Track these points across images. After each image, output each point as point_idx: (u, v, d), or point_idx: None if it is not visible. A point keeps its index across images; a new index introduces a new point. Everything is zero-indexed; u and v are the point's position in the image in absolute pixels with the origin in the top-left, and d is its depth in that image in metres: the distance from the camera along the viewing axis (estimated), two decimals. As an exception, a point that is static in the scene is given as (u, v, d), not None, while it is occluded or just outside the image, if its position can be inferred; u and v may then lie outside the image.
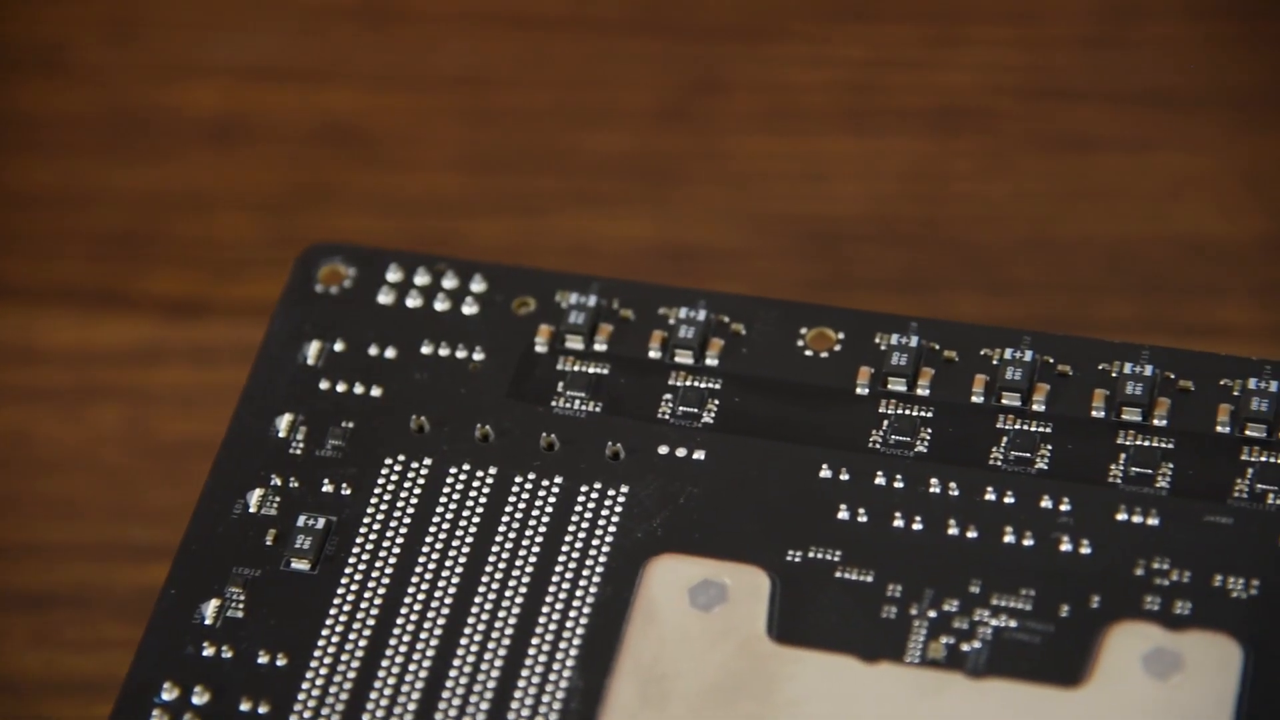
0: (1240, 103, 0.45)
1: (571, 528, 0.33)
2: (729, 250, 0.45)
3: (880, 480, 0.33)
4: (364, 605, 0.33)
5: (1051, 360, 0.34)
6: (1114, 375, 0.34)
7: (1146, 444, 0.33)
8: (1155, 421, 0.33)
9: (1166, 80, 0.45)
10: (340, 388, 0.35)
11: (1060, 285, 0.44)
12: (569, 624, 0.32)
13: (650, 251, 0.45)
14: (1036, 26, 0.47)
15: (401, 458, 0.34)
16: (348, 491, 0.34)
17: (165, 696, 0.32)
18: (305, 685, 0.32)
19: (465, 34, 0.47)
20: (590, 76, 0.47)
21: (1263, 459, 0.33)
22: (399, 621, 0.33)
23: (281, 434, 0.34)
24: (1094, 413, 0.34)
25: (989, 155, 0.45)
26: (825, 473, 0.33)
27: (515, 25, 0.47)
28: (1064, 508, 0.33)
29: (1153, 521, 0.32)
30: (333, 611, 0.33)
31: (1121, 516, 0.33)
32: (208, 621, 0.33)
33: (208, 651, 0.33)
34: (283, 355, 0.35)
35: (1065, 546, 0.32)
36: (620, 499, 0.33)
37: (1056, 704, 0.31)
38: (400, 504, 0.34)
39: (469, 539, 0.33)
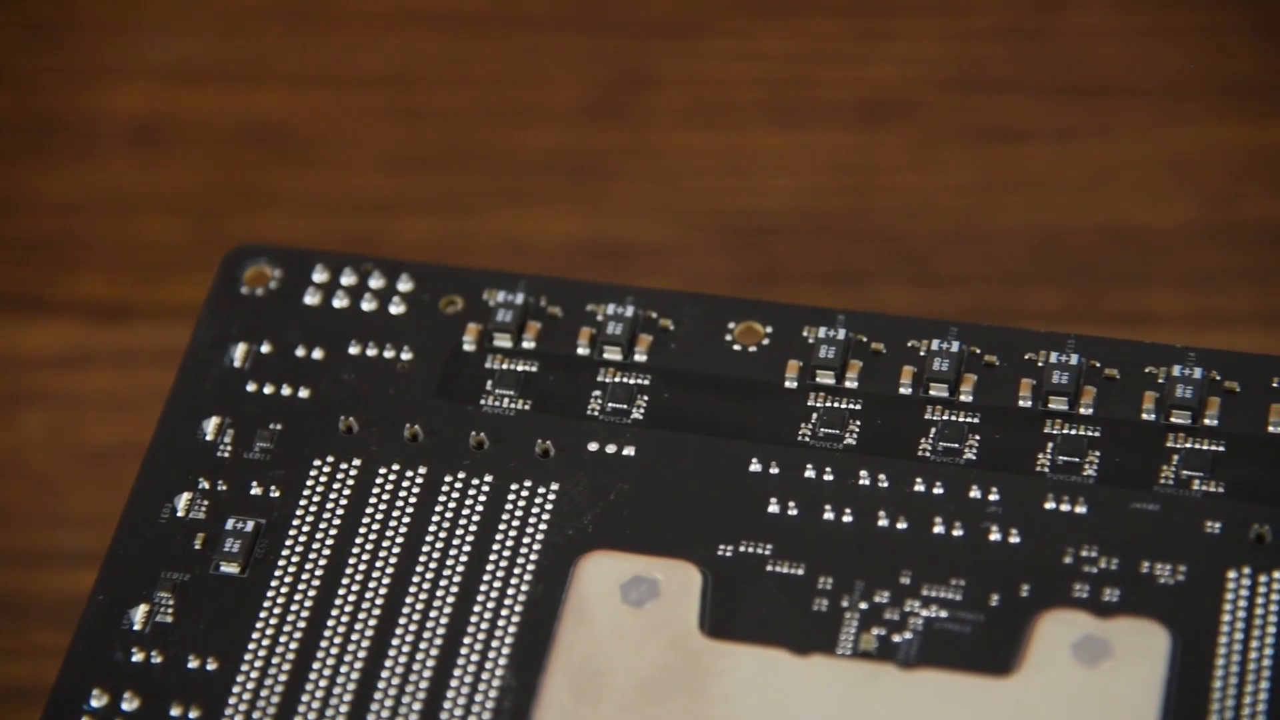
0: (1164, 92, 0.45)
1: (502, 526, 0.33)
2: (658, 246, 0.45)
3: (810, 473, 0.33)
4: (294, 608, 0.33)
5: (978, 351, 0.34)
6: (1040, 365, 0.34)
7: (1073, 432, 0.33)
8: (1082, 410, 0.34)
9: (1091, 71, 0.46)
10: (267, 390, 0.35)
11: (988, 276, 0.44)
12: (501, 622, 0.32)
13: (579, 248, 0.45)
14: (962, 19, 0.47)
15: (330, 459, 0.34)
16: (276, 494, 0.34)
17: (94, 704, 0.32)
18: (236, 689, 0.32)
19: (391, 33, 0.47)
20: (517, 74, 0.47)
21: (1188, 445, 0.33)
22: (330, 623, 0.33)
23: (209, 437, 0.34)
24: (1021, 402, 0.34)
25: (916, 148, 0.45)
26: (755, 467, 0.34)
27: (441, 23, 0.47)
28: (993, 497, 0.33)
29: (1080, 510, 0.33)
30: (263, 614, 0.33)
31: (1050, 505, 0.33)
32: (137, 627, 0.33)
33: (137, 657, 0.32)
34: (209, 358, 0.35)
35: (994, 536, 0.33)
36: (551, 496, 0.33)
37: (987, 693, 0.31)
38: (330, 505, 0.34)
39: (399, 539, 0.33)
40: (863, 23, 0.47)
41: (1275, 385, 0.33)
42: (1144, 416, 0.33)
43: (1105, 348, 0.34)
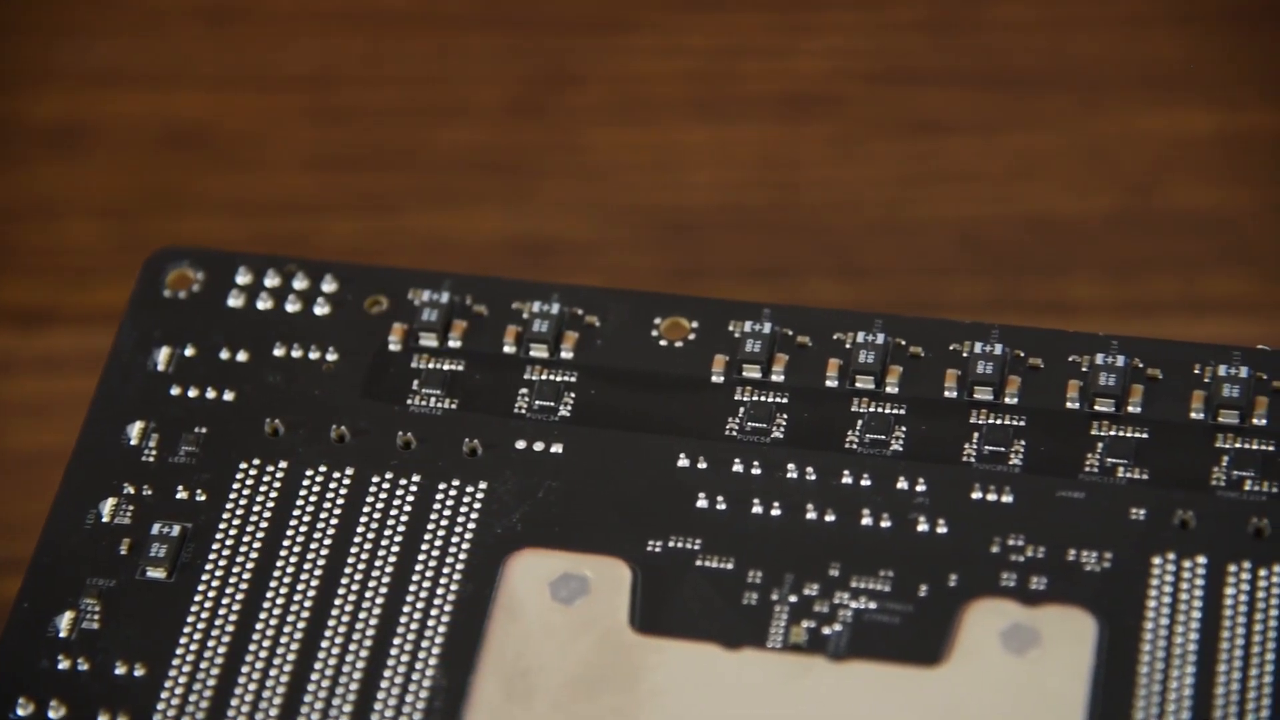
0: (1085, 82, 0.46)
1: (431, 526, 0.33)
2: (583, 243, 0.45)
3: (738, 467, 0.33)
4: (222, 611, 0.33)
5: (904, 342, 0.34)
6: (965, 355, 0.34)
7: (998, 422, 0.33)
8: (1007, 400, 0.34)
9: (1012, 62, 0.46)
10: (192, 393, 0.35)
11: (912, 267, 0.44)
12: (430, 622, 0.32)
13: (504, 246, 0.45)
14: (884, 11, 0.47)
15: (256, 461, 0.34)
16: (202, 497, 0.34)
17: (21, 712, 0.32)
18: (164, 695, 0.32)
19: (311, 33, 0.47)
20: (439, 72, 0.47)
21: (1112, 433, 0.33)
22: (258, 626, 0.32)
23: (133, 442, 0.34)
24: (947, 393, 0.34)
25: (839, 140, 0.45)
26: (683, 462, 0.34)
27: (361, 22, 0.47)
28: (920, 488, 0.33)
29: (1007, 499, 0.33)
30: (190, 619, 0.32)
31: (976, 495, 0.33)
32: (62, 634, 0.32)
33: (63, 664, 0.32)
34: (132, 362, 0.35)
35: (922, 527, 0.33)
36: (479, 495, 0.33)
37: (917, 683, 0.31)
38: (256, 508, 0.33)
39: (327, 541, 0.33)
40: (785, 16, 0.47)
41: (1197, 372, 0.34)
42: (1068, 405, 0.34)
43: (1029, 337, 0.34)
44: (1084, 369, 0.34)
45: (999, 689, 0.31)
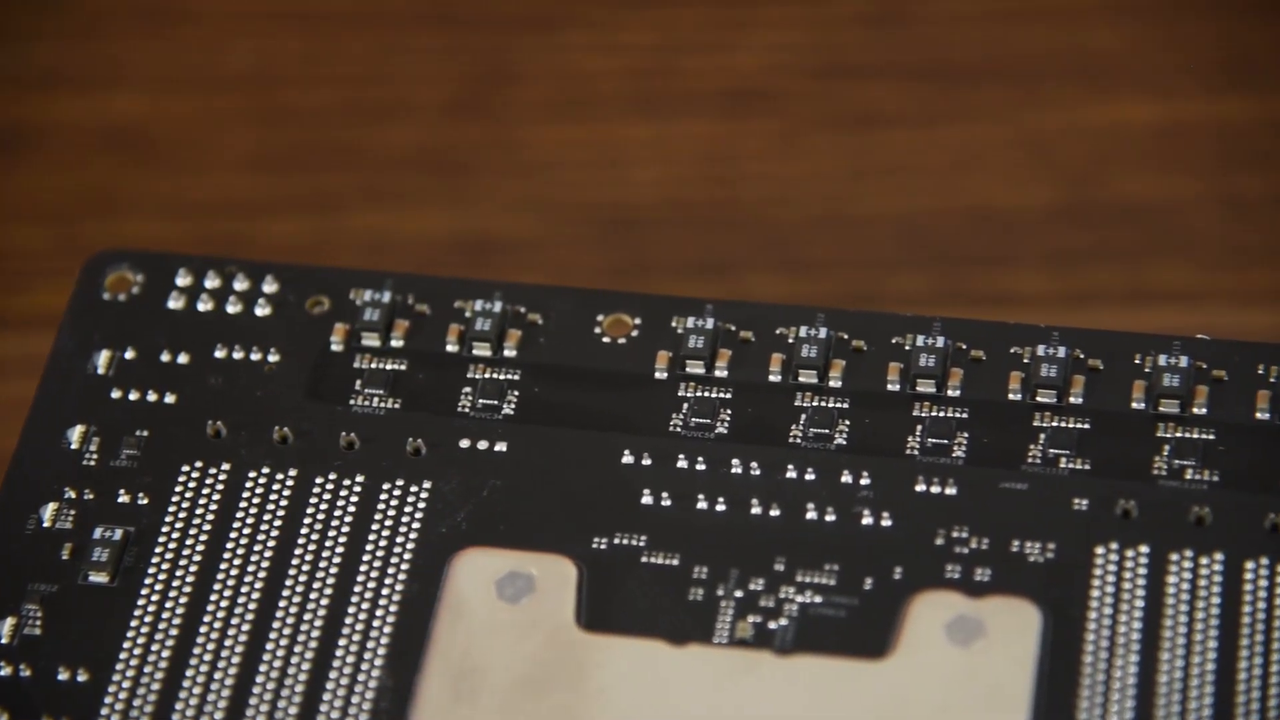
0: (1023, 75, 0.46)
1: (375, 526, 0.33)
2: (526, 240, 0.44)
3: (682, 463, 0.33)
4: (166, 615, 0.32)
5: (846, 336, 0.34)
6: (908, 348, 0.34)
7: (941, 415, 0.34)
8: (949, 392, 0.34)
9: (951, 55, 0.46)
10: (133, 396, 0.34)
11: (855, 261, 0.44)
12: (376, 623, 0.32)
13: (446, 245, 0.44)
14: (823, 6, 0.47)
15: (199, 464, 0.34)
16: (145, 501, 0.33)
17: (-36, 719, 0.32)
18: (108, 700, 0.32)
19: (249, 33, 0.47)
20: (378, 71, 0.46)
21: (1054, 424, 0.33)
22: (202, 630, 0.32)
23: (74, 445, 0.34)
24: (889, 386, 0.34)
25: (780, 135, 0.45)
26: (627, 458, 0.34)
27: (300, 22, 0.47)
28: (864, 481, 0.33)
29: (950, 491, 0.33)
30: (133, 624, 0.32)
31: (920, 488, 0.33)
32: (4, 640, 0.32)
33: (4, 671, 0.32)
34: (72, 366, 0.35)
35: (866, 520, 0.33)
36: (423, 495, 0.33)
37: (863, 676, 0.31)
38: (199, 511, 0.33)
39: (271, 543, 0.33)
40: (724, 11, 0.47)
41: (1138, 362, 0.34)
42: (1011, 397, 0.34)
43: (971, 330, 0.34)
44: (1025, 360, 0.34)
45: (944, 681, 0.31)
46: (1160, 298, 0.43)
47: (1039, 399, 0.34)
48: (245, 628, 0.32)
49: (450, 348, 0.35)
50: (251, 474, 0.34)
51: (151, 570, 0.33)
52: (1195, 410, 0.33)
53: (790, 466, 0.33)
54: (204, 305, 0.35)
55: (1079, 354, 0.34)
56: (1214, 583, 0.32)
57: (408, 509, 0.33)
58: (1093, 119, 0.45)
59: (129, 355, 0.35)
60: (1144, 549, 0.32)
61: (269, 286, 0.35)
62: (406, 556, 0.33)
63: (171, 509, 0.33)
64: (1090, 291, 0.43)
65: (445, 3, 0.47)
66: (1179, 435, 0.33)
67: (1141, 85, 0.45)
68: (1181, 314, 0.42)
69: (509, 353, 0.35)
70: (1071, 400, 0.33)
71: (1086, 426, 0.33)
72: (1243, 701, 0.31)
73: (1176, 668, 0.31)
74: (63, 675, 0.32)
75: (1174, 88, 0.45)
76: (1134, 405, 0.33)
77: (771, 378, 0.34)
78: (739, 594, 0.32)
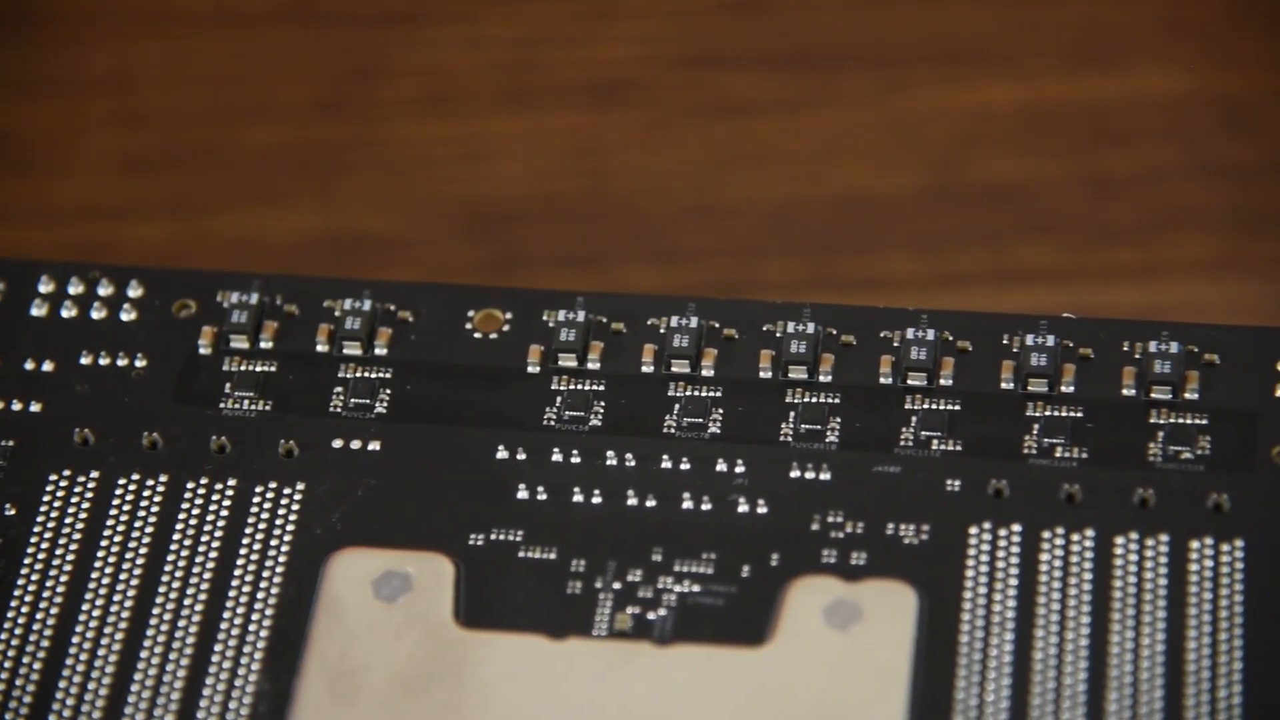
0: (887, 59, 0.46)
1: (249, 529, 0.33)
2: (396, 238, 0.44)
3: (557, 457, 0.33)
4: (37, 626, 0.32)
5: (718, 325, 0.34)
6: (778, 335, 0.34)
7: (814, 400, 0.34)
8: (821, 378, 0.34)
9: (815, 41, 0.46)
10: (-2, 406, 0.34)
11: (725, 250, 0.44)
12: (252, 627, 0.32)
13: (315, 244, 0.44)
14: (687, -5, 0.47)
15: (67, 473, 0.33)
16: (12, 511, 0.33)
17: None
18: (-19, 714, 0.31)
19: (110, 35, 0.46)
20: (242, 71, 0.46)
21: (925, 406, 0.33)
22: (75, 640, 0.32)
23: (-61, 458, 0.33)
24: (762, 374, 0.34)
25: (648, 126, 0.45)
26: (502, 454, 0.33)
27: (161, 23, 0.47)
28: (739, 469, 0.33)
29: (825, 476, 0.33)
30: (4, 635, 0.32)
31: (795, 474, 0.33)
32: (-128, 657, 0.32)
33: (-125, 688, 0.32)
34: (-66, 377, 0.34)
35: (742, 508, 0.33)
36: (297, 497, 0.33)
37: (743, 663, 0.31)
38: (69, 519, 0.33)
39: (144, 549, 0.33)
40: (589, 4, 0.47)
41: (1006, 342, 0.34)
42: (882, 381, 0.34)
43: (841, 315, 0.34)
44: (896, 344, 0.34)
45: (824, 665, 0.31)
46: (1027, 278, 0.43)
47: (910, 382, 0.34)
48: (119, 636, 0.32)
49: (320, 348, 0.35)
50: (121, 481, 0.33)
51: (21, 581, 0.32)
52: (1063, 389, 0.33)
53: (665, 457, 0.33)
54: (68, 312, 0.35)
55: (948, 336, 0.34)
56: (1085, 559, 0.32)
57: (281, 511, 0.33)
58: (956, 102, 0.45)
59: (-7, 364, 0.34)
60: (1016, 528, 0.32)
61: (134, 291, 0.35)
62: (281, 559, 0.33)
63: (40, 519, 0.33)
64: (958, 274, 0.43)
65: (306, 1, 0.47)
66: (1048, 414, 0.33)
67: (1004, 67, 0.46)
68: (1048, 294, 0.43)
69: (380, 351, 0.35)
70: (942, 382, 0.34)
71: (957, 408, 0.33)
72: (1115, 675, 0.31)
73: (1051, 644, 0.31)
74: (-67, 691, 0.32)
75: (1036, 69, 0.46)
76: (1003, 385, 0.34)
77: (644, 369, 0.34)
78: (617, 586, 0.32)
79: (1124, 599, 0.31)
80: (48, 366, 0.34)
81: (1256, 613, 0.31)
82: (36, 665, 0.32)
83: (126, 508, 0.33)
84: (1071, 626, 0.31)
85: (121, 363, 0.34)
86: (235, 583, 0.32)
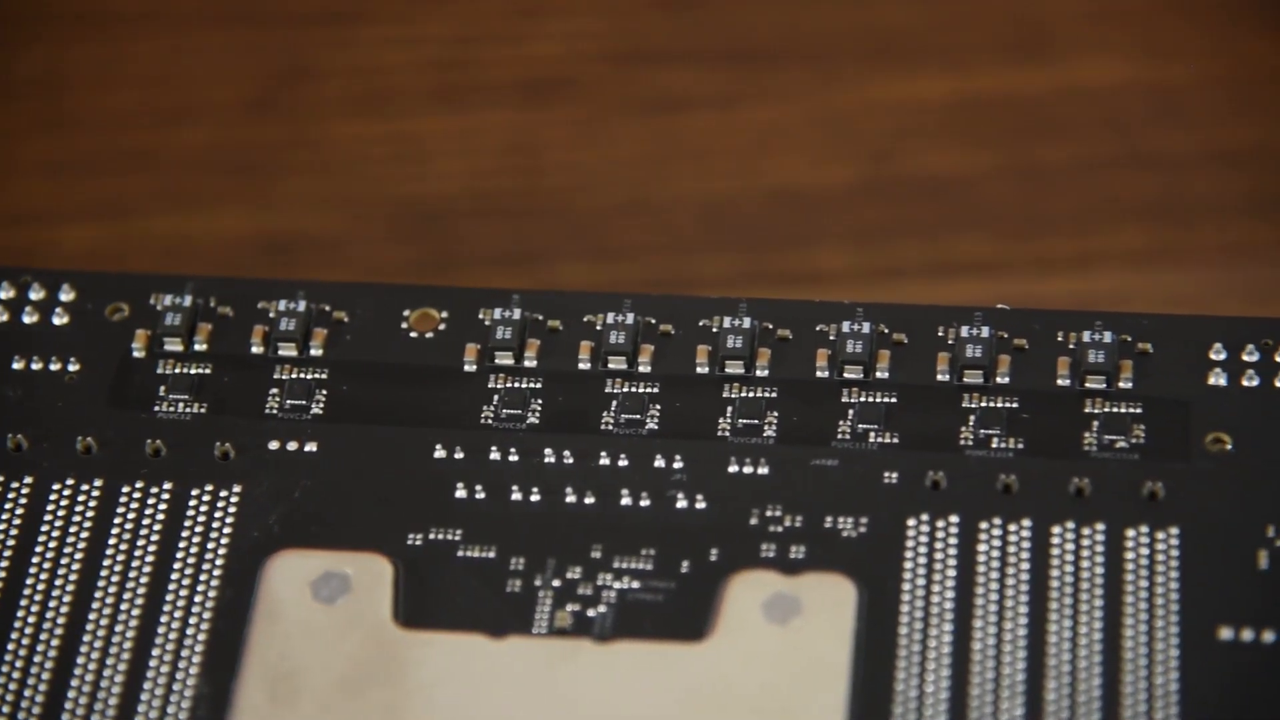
0: (819, 54, 0.46)
1: (185, 533, 0.33)
2: (330, 238, 0.44)
3: (495, 455, 0.33)
4: (-28, 634, 0.32)
5: (654, 321, 0.34)
6: (715, 330, 0.34)
7: (751, 395, 0.34)
8: (758, 372, 0.34)
9: (747, 37, 0.46)
10: (-71, 412, 0.34)
11: (661, 246, 0.44)
12: (190, 630, 0.32)
13: (249, 246, 0.44)
14: (618, -9, 0.47)
15: (0, 479, 0.33)
16: (-54, 519, 0.33)
17: None
18: (-84, 723, 0.31)
19: (38, 36, 0.46)
20: (172, 72, 0.46)
21: (862, 399, 0.34)
22: (10, 646, 0.32)
23: None
24: (699, 369, 0.34)
25: (582, 123, 0.45)
26: (439, 453, 0.33)
27: (90, 24, 0.46)
28: (676, 465, 0.33)
29: (763, 470, 0.33)
30: (-61, 644, 0.32)
31: (733, 469, 0.33)
32: None
33: None
34: None
35: (681, 503, 0.33)
36: (234, 499, 0.33)
37: (684, 659, 0.31)
38: (2, 527, 0.33)
39: (79, 554, 0.32)
40: (521, 1, 0.47)
41: (941, 334, 0.34)
42: (818, 374, 0.34)
43: (777, 309, 0.34)
44: (832, 338, 0.34)
45: (764, 659, 0.31)
46: (961, 270, 0.43)
47: (846, 375, 0.34)
48: (55, 642, 0.32)
49: (255, 349, 0.34)
50: (56, 486, 0.33)
51: (-44, 589, 0.32)
52: (998, 380, 0.34)
53: (603, 453, 0.33)
54: (-1, 316, 0.35)
55: (884, 329, 0.34)
56: (1023, 549, 0.32)
57: (218, 514, 0.33)
58: (889, 95, 0.45)
59: (-77, 371, 0.34)
60: (954, 519, 0.32)
61: (66, 295, 0.35)
62: (219, 562, 0.32)
63: (-26, 526, 0.33)
64: (893, 266, 0.44)
65: (237, 1, 0.47)
66: (983, 405, 0.33)
67: (936, 60, 0.46)
68: (982, 285, 0.43)
69: (315, 352, 0.34)
70: (878, 375, 0.34)
71: (894, 400, 0.34)
72: (1054, 664, 0.31)
73: (990, 634, 0.31)
74: None
75: (968, 62, 0.46)
76: (939, 377, 0.34)
77: (581, 366, 0.34)
78: (557, 583, 0.32)
79: (1061, 588, 0.32)
80: (-21, 372, 0.34)
81: (1192, 600, 0.31)
82: (-28, 673, 0.32)
83: (61, 513, 0.33)
84: (1010, 616, 0.32)
85: (54, 367, 0.34)
86: (173, 586, 0.32)
